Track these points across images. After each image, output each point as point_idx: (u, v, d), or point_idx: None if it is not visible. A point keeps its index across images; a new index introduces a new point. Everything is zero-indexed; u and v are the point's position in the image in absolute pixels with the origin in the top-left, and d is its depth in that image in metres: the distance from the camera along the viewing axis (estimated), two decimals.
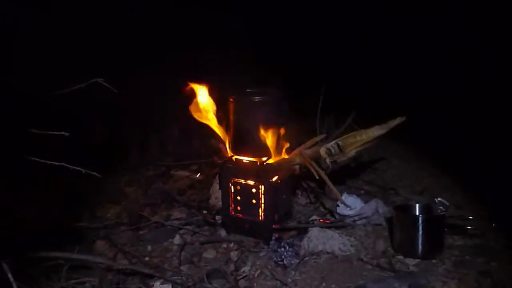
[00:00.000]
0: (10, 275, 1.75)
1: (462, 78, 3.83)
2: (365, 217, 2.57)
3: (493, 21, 3.72)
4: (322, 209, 3.11)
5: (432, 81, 4.24)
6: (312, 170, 2.49)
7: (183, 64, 3.53)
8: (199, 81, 2.88)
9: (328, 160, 2.56)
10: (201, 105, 2.84)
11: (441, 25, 4.21)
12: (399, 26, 4.43)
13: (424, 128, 3.90)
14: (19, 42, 2.70)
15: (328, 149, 2.55)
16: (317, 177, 2.50)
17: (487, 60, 3.71)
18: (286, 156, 2.86)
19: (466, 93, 3.81)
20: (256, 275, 2.37)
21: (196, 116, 2.84)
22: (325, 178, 2.46)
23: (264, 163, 2.70)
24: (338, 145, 2.57)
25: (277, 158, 2.79)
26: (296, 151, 2.84)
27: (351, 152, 2.60)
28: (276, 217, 2.75)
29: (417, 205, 2.70)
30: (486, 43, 3.78)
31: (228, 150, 2.93)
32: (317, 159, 2.66)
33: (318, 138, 3.23)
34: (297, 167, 2.67)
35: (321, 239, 2.57)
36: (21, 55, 2.64)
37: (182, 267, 2.46)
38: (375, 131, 2.67)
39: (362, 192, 3.48)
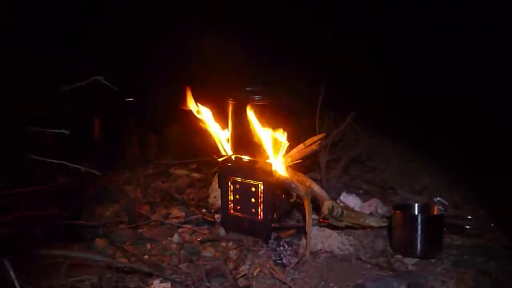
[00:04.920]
0: (12, 272, 1.74)
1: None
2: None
3: None
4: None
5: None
6: (306, 212, 2.52)
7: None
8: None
9: (323, 213, 2.59)
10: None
11: None
12: None
13: (424, 127, 3.90)
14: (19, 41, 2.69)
15: (333, 208, 2.57)
16: (305, 222, 2.53)
17: None
18: (291, 175, 2.84)
19: (464, 92, 3.80)
20: (255, 273, 2.37)
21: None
22: (309, 230, 2.48)
23: (264, 162, 2.70)
24: (342, 211, 2.61)
25: (285, 175, 2.77)
26: (304, 180, 2.80)
27: (343, 223, 2.65)
28: (275, 216, 2.76)
29: (416, 204, 2.71)
30: None
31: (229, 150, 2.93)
32: (315, 200, 2.68)
33: (317, 137, 3.24)
34: (295, 194, 2.68)
35: (320, 238, 2.58)
36: (21, 54, 2.64)
37: (181, 266, 2.46)
38: (372, 222, 2.77)
39: (361, 191, 3.49)
